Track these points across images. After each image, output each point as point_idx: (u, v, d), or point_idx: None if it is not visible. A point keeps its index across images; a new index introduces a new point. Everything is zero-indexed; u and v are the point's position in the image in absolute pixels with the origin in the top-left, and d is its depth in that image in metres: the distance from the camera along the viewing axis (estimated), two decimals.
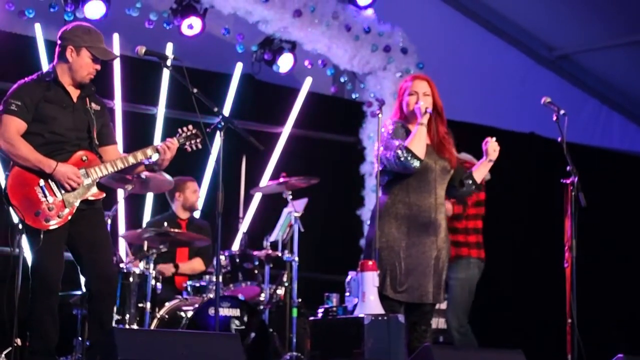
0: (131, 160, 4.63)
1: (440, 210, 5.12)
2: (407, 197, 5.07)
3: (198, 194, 6.95)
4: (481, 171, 5.24)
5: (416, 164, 4.99)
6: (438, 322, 6.74)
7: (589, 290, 6.01)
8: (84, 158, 4.57)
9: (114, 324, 5.15)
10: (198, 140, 4.79)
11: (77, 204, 4.50)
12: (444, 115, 5.21)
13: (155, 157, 4.67)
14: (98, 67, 4.61)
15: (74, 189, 4.49)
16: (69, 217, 4.48)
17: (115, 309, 5.49)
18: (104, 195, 4.64)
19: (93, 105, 4.68)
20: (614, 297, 9.25)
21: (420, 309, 5.09)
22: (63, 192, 4.48)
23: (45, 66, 6.99)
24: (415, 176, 5.06)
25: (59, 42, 4.62)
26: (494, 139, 5.20)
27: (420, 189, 5.08)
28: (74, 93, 4.63)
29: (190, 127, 4.79)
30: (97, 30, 4.66)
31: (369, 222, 6.16)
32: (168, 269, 6.58)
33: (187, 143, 4.78)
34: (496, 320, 8.54)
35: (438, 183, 5.12)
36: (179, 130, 4.79)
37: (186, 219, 6.92)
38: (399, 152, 4.98)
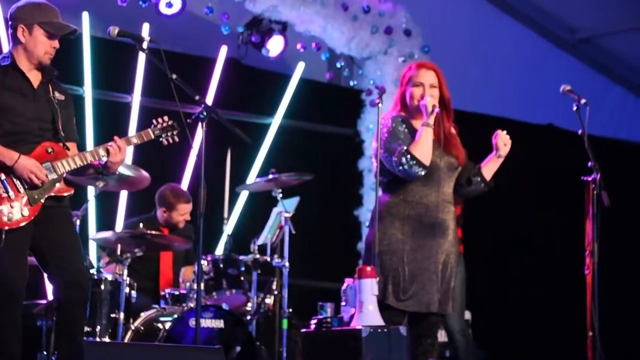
0: (89, 158, 4.60)
1: (448, 210, 5.12)
2: (411, 195, 5.07)
3: (187, 216, 6.82)
4: (490, 168, 5.23)
5: (421, 172, 4.99)
6: (445, 335, 6.74)
7: (612, 299, 6.02)
8: (50, 150, 4.57)
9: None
10: (175, 133, 4.79)
11: (42, 200, 4.50)
12: (452, 108, 5.21)
13: (105, 158, 4.64)
14: (56, 44, 4.60)
15: (36, 186, 4.48)
16: (34, 216, 4.47)
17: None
18: (72, 191, 4.64)
19: (57, 94, 4.68)
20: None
21: (426, 320, 5.10)
22: (26, 187, 4.47)
23: (5, 48, 6.98)
24: None
25: (9, 22, 4.63)
26: (505, 132, 5.20)
27: (425, 186, 5.07)
28: (35, 79, 4.63)
29: (166, 118, 4.79)
30: (51, 5, 4.66)
31: (368, 224, 6.15)
32: None
33: (163, 135, 4.77)
34: (508, 332, 8.54)
35: (444, 181, 5.12)
36: (154, 121, 4.79)
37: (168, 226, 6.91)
38: (402, 159, 4.97)
